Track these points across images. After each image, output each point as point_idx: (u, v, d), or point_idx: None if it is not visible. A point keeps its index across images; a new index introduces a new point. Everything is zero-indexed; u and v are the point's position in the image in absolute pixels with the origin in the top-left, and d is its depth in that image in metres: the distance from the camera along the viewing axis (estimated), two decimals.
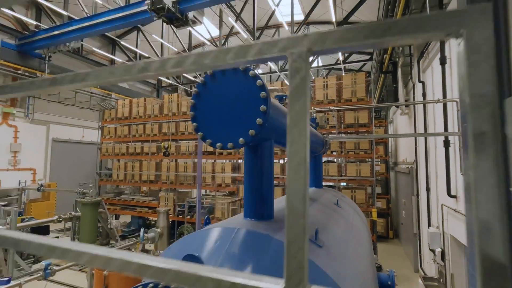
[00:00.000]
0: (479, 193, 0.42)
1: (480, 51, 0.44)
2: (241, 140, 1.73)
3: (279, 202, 2.92)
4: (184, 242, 1.95)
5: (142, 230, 5.53)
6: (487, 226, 0.42)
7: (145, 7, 8.70)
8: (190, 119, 1.94)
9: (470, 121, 0.44)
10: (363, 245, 3.50)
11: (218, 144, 1.79)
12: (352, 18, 12.24)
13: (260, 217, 2.15)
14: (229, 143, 1.76)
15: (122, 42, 14.61)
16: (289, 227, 0.51)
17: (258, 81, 1.73)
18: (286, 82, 15.62)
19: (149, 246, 8.94)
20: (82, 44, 12.94)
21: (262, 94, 1.71)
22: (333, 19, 10.50)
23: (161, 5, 8.32)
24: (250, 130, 1.71)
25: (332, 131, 8.40)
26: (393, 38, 0.49)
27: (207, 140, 1.83)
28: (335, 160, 10.34)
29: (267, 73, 16.42)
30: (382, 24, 0.50)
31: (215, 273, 0.56)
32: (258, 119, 1.70)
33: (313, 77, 13.39)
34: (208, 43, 13.12)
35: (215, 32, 14.90)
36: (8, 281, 5.33)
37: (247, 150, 2.10)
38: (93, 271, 6.36)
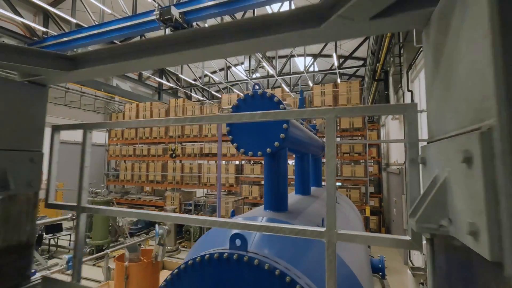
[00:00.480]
0: (411, 184, 0.99)
1: (412, 123, 1.01)
2: (268, 150, 2.29)
3: (290, 198, 3.49)
4: (221, 228, 2.50)
5: (157, 226, 6.03)
6: (414, 199, 0.99)
7: (153, 17, 9.13)
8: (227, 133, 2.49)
9: (408, 153, 1.01)
10: None
11: (250, 152, 2.35)
12: None
13: (277, 209, 2.72)
14: (259, 152, 2.32)
15: None
16: (328, 200, 1.07)
17: (281, 105, 2.29)
18: (285, 87, 16.17)
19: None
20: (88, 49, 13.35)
21: None
22: None
23: (169, 16, 8.76)
24: (275, 143, 2.27)
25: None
26: (377, 112, 1.06)
27: (241, 150, 2.38)
28: (326, 154, 10.97)
29: (265, 77, 17.00)
30: (373, 107, 1.06)
31: (289, 225, 1.12)
32: (281, 134, 2.26)
33: (311, 84, 13.98)
34: None
35: None
36: (34, 273, 5.78)
37: (267, 156, 2.66)
38: (108, 265, 6.84)
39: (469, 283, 0.64)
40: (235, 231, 2.49)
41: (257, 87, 2.37)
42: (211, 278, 1.92)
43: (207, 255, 2.00)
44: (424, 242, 0.91)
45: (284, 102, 3.43)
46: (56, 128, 1.73)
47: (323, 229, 1.07)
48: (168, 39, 1.29)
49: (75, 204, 1.60)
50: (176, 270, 1.93)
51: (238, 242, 1.97)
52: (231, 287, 1.92)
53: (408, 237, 0.97)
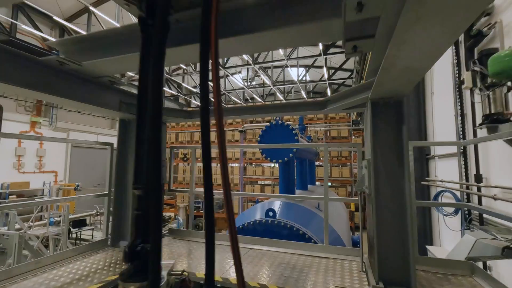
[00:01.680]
0: (358, 176, 2.39)
1: (359, 152, 2.41)
2: (285, 159, 3.67)
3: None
4: (255, 207, 3.86)
5: (179, 217, 7.28)
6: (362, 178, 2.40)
7: None
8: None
9: (358, 164, 2.41)
10: (345, 220, 5.52)
11: (273, 160, 3.71)
12: (339, 42, 14.40)
13: None
14: (279, 160, 3.68)
15: None
16: (324, 186, 2.44)
17: (294, 131, 3.67)
18: (279, 95, 17.56)
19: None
20: None
21: (296, 137, 3.66)
22: (320, 47, 12.57)
23: None
24: (290, 154, 3.65)
25: (321, 143, 10.56)
26: (348, 147, 2.46)
27: (268, 158, 3.74)
28: (323, 164, 12.47)
29: (260, 85, 18.38)
30: (348, 144, 2.46)
31: (309, 195, 2.51)
32: (294, 149, 3.64)
33: (303, 93, 15.46)
34: None
35: None
36: None
37: (283, 163, 4.03)
38: None
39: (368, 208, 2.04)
40: (259, 209, 3.84)
41: (278, 118, 3.75)
42: (257, 232, 3.28)
43: (252, 222, 3.36)
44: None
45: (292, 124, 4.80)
46: (172, 147, 3.02)
47: (322, 196, 2.44)
48: (249, 108, 2.64)
49: (188, 189, 2.92)
50: (240, 226, 3.30)
51: (271, 213, 3.33)
52: (268, 236, 3.29)
53: (357, 198, 2.36)
